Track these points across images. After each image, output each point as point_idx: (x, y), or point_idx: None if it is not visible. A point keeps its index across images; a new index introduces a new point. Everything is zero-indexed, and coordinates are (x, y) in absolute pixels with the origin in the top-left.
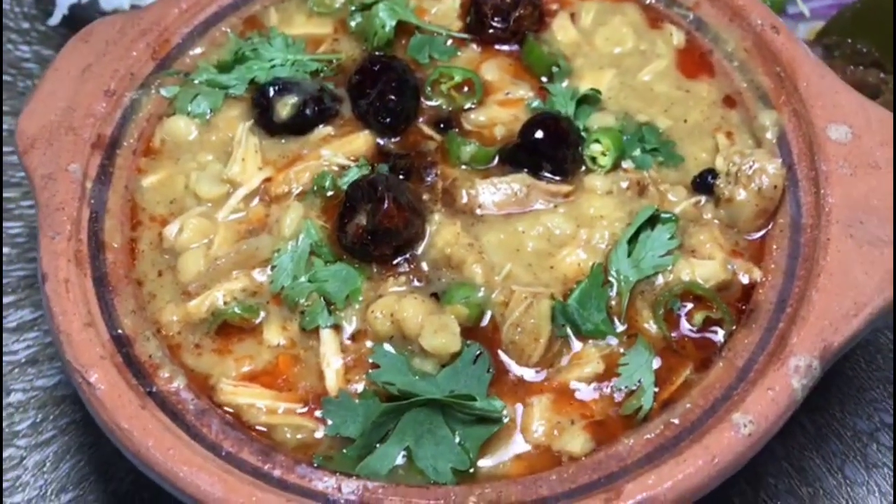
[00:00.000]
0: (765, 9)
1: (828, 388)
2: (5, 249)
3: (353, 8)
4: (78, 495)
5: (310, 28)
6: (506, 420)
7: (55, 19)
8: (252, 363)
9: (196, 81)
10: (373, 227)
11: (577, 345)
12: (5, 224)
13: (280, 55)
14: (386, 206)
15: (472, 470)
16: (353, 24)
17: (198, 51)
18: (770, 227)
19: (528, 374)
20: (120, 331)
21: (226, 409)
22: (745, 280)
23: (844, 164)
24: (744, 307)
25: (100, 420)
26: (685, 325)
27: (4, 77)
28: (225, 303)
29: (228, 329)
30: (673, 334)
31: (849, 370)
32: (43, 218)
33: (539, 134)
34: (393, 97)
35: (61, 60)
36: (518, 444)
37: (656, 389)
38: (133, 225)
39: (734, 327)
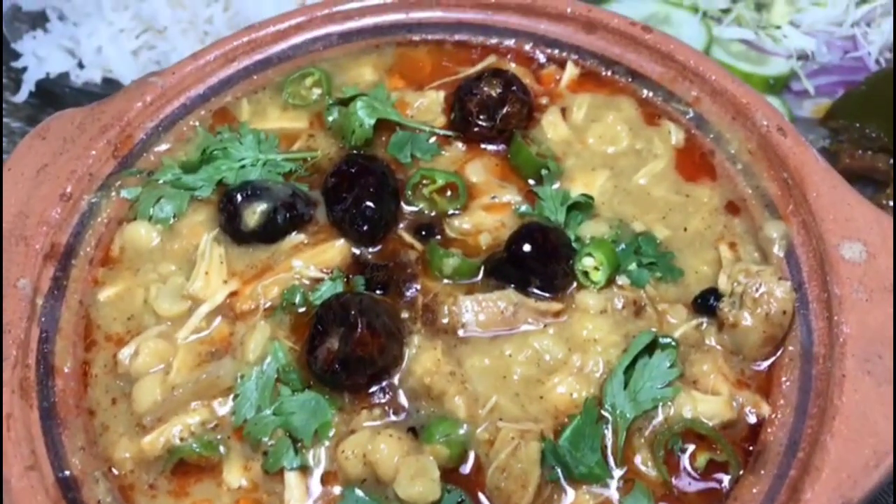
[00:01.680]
0: (771, 108)
1: None
2: None
3: (329, 102)
4: None
5: (284, 122)
6: None
7: (21, 95)
8: None
9: (160, 181)
10: (345, 356)
11: (568, 491)
12: None
13: (251, 154)
14: (359, 332)
15: None
16: (329, 119)
17: (163, 147)
18: (779, 354)
19: None
20: (67, 472)
21: None
22: (752, 418)
23: (860, 287)
24: (751, 448)
25: None
26: (687, 468)
27: None
28: (181, 439)
29: (186, 467)
30: (674, 479)
31: None
32: None
33: (527, 247)
34: (370, 203)
35: (15, 160)
36: None
37: None
38: (87, 345)
39: (741, 472)
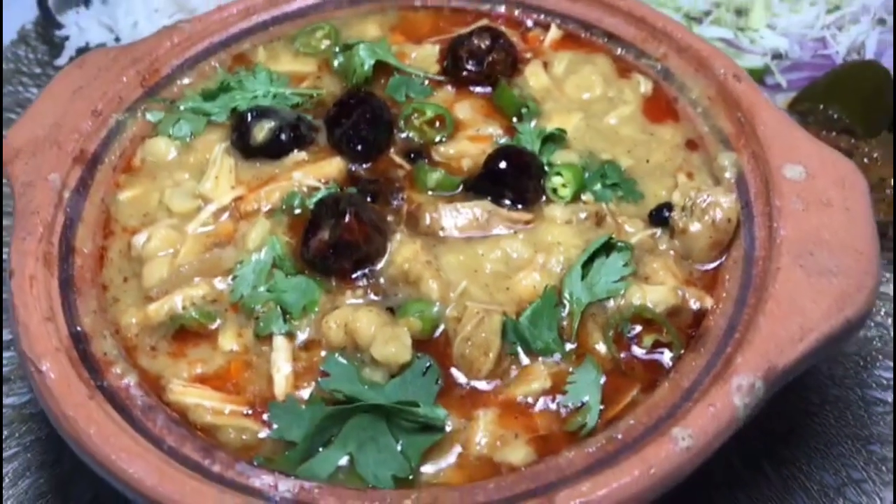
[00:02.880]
0: (728, 59)
1: (796, 442)
2: None
3: (336, 49)
4: None
5: (295, 66)
6: (448, 429)
7: (62, 59)
8: (204, 366)
9: (181, 108)
10: (334, 241)
11: (526, 361)
12: None
13: (263, 87)
14: (347, 219)
15: (411, 477)
16: (335, 63)
17: (186, 81)
18: (724, 259)
19: (477, 386)
20: (79, 328)
21: (173, 407)
22: (695, 307)
23: (797, 200)
24: (693, 333)
25: (46, 408)
26: (634, 346)
27: (11, 116)
28: (184, 307)
29: (185, 334)
30: (622, 355)
31: (817, 425)
32: (17, 221)
33: (502, 164)
34: (366, 126)
35: (54, 84)
36: (459, 455)
37: (602, 407)
38: (105, 234)
39: (682, 351)
